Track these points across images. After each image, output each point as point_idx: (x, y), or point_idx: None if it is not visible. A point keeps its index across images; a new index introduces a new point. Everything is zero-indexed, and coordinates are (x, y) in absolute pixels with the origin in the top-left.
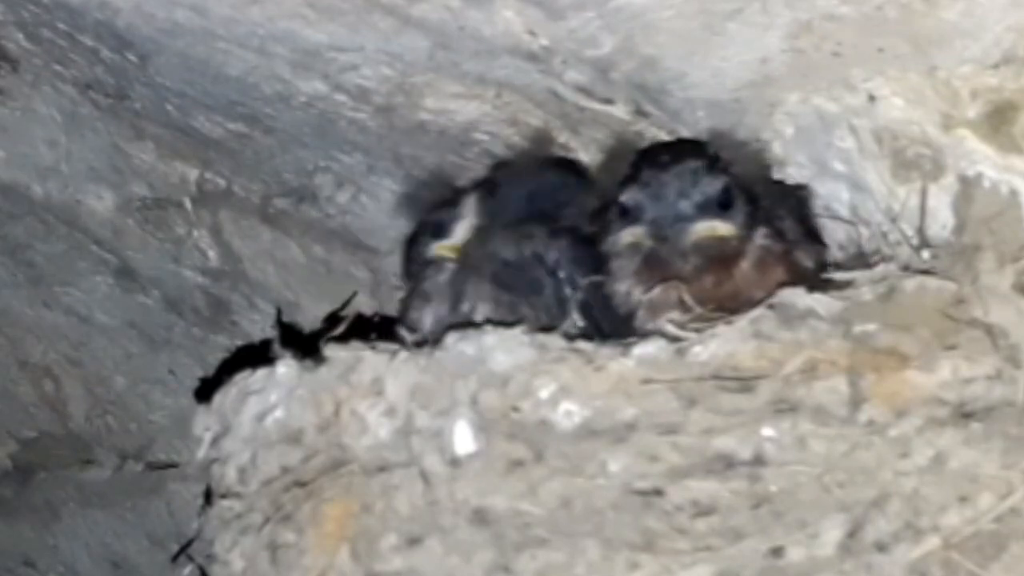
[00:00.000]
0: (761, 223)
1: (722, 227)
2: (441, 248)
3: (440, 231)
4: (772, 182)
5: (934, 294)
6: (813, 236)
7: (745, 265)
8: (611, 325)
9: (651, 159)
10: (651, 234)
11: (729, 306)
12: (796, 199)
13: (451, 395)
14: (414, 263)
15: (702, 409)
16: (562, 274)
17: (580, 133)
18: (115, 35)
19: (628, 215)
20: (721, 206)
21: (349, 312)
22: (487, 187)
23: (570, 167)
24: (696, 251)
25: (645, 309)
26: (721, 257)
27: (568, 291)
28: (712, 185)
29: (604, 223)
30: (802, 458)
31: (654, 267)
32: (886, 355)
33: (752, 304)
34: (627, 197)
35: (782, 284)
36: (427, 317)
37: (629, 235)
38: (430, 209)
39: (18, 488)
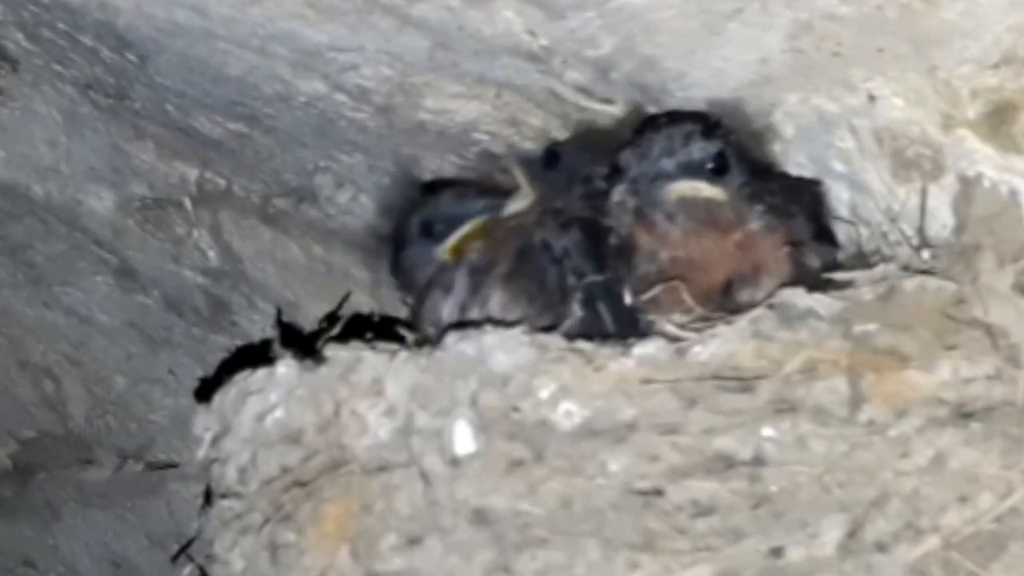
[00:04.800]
0: (761, 202)
1: (708, 189)
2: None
3: (439, 234)
4: (786, 178)
5: (934, 294)
6: (825, 235)
7: (740, 237)
8: (617, 320)
9: (651, 123)
10: (630, 190)
11: (722, 277)
12: (810, 196)
13: (451, 395)
14: (413, 267)
15: (702, 409)
16: (568, 264)
17: None
18: (115, 35)
19: (619, 174)
20: (715, 171)
21: (348, 312)
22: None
23: None
24: (681, 211)
25: (649, 305)
26: (712, 221)
27: (572, 280)
28: (704, 148)
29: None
30: (802, 458)
31: (643, 226)
32: (886, 355)
33: (748, 280)
34: (620, 157)
35: (778, 264)
36: (444, 309)
37: (616, 193)
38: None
39: (18, 488)
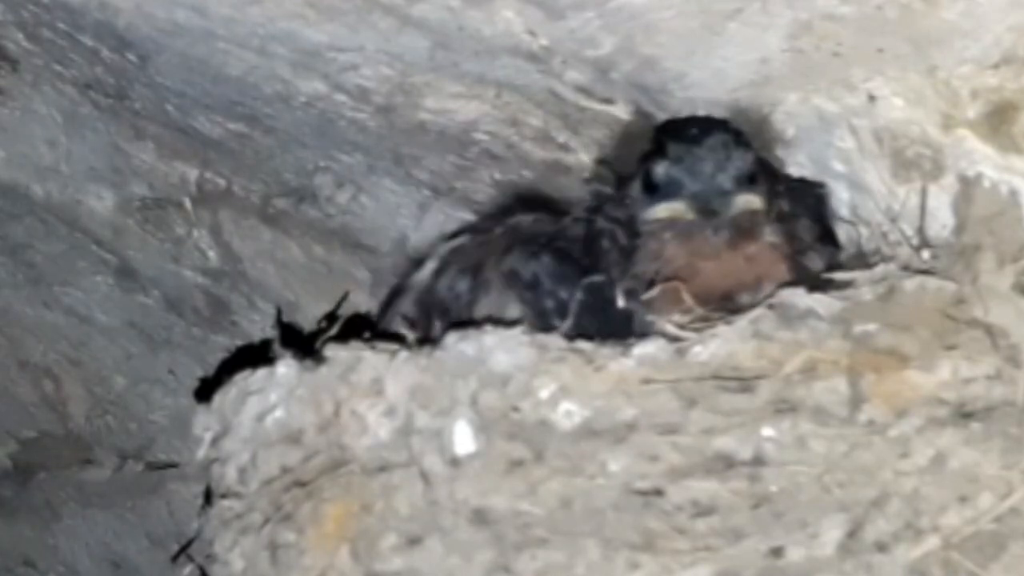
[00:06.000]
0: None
1: (755, 201)
2: None
3: None
4: (790, 179)
5: (934, 294)
6: (829, 237)
7: (762, 243)
8: (608, 328)
9: (676, 133)
10: (695, 208)
11: (724, 288)
12: (814, 198)
13: (451, 395)
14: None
15: (702, 409)
16: (541, 290)
17: (580, 133)
18: (115, 35)
19: (659, 191)
20: (750, 180)
21: (348, 312)
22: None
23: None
24: (733, 225)
25: (649, 307)
26: (752, 233)
27: (549, 304)
28: (743, 159)
29: (624, 203)
30: (802, 458)
31: (686, 241)
32: (886, 355)
33: (750, 289)
34: (658, 172)
35: (780, 274)
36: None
37: (665, 210)
38: None
39: (18, 488)
